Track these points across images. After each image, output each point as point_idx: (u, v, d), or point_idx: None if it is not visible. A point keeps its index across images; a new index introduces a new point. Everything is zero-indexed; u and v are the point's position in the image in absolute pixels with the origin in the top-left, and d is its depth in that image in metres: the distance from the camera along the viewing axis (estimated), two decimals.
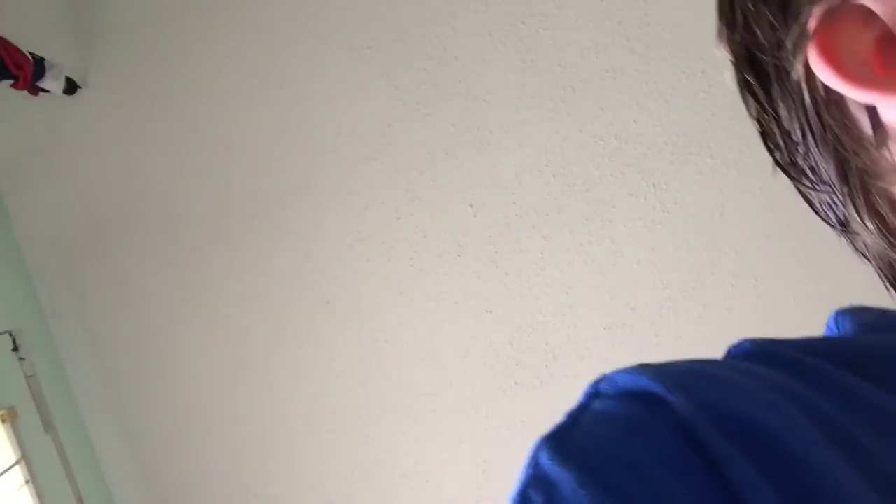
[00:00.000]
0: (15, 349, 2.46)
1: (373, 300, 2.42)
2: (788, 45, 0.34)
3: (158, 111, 2.54)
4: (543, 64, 2.19)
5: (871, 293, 0.42)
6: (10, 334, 2.45)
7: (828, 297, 1.99)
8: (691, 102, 2.09)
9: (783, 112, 0.37)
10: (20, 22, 2.51)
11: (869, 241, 0.37)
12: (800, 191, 0.39)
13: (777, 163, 0.39)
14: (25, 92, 2.34)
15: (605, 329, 2.24)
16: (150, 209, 2.60)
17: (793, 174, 0.38)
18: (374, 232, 2.39)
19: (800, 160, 0.37)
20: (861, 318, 0.38)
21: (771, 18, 0.35)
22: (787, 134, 0.37)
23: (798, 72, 0.34)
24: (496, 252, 2.30)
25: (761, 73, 0.37)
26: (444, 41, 2.26)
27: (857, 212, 0.36)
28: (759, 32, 0.36)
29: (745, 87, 0.38)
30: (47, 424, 2.48)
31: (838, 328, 0.40)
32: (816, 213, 0.39)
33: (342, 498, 2.56)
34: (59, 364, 2.73)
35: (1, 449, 2.29)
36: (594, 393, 0.32)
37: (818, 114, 0.35)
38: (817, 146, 0.36)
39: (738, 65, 0.38)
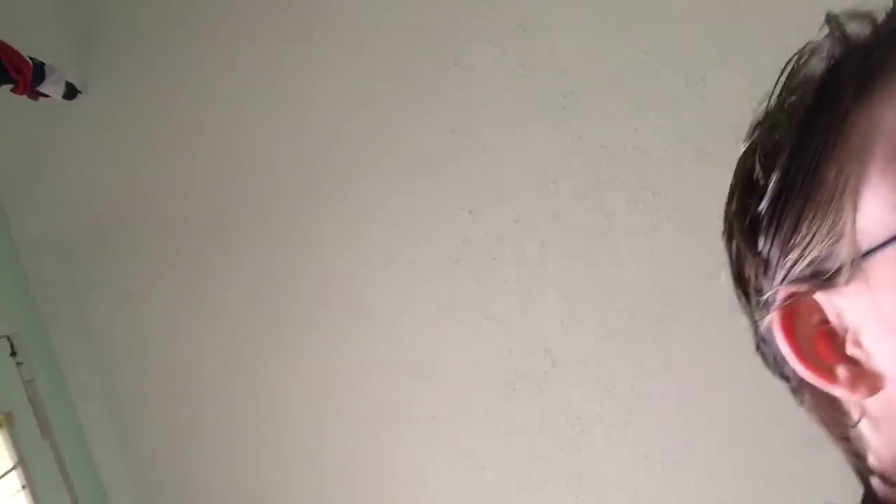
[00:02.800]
0: (13, 354, 2.46)
1: (372, 305, 2.42)
2: (762, 299, 0.48)
3: (158, 116, 2.54)
4: (543, 71, 2.19)
5: None
6: (8, 339, 2.44)
7: None
8: (691, 110, 2.09)
9: (757, 317, 0.50)
10: (21, 26, 2.51)
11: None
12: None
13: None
14: (25, 96, 2.34)
15: (603, 336, 2.23)
16: (150, 214, 2.60)
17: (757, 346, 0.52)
18: (374, 237, 2.39)
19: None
20: None
21: (755, 267, 0.49)
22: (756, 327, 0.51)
23: (767, 322, 0.47)
24: (495, 259, 2.30)
25: (745, 291, 0.51)
26: (445, 47, 2.26)
27: (800, 393, 0.50)
28: (745, 270, 0.50)
29: (735, 290, 0.53)
30: (45, 429, 2.47)
31: None
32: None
33: (339, 502, 2.56)
34: (57, 369, 2.73)
35: None
36: None
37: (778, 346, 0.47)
38: (774, 350, 0.48)
39: (731, 276, 0.52)
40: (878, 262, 0.41)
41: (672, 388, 2.18)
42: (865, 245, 0.42)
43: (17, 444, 2.33)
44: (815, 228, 0.44)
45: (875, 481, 0.48)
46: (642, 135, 2.12)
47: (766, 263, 0.47)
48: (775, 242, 0.46)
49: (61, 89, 2.45)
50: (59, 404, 2.65)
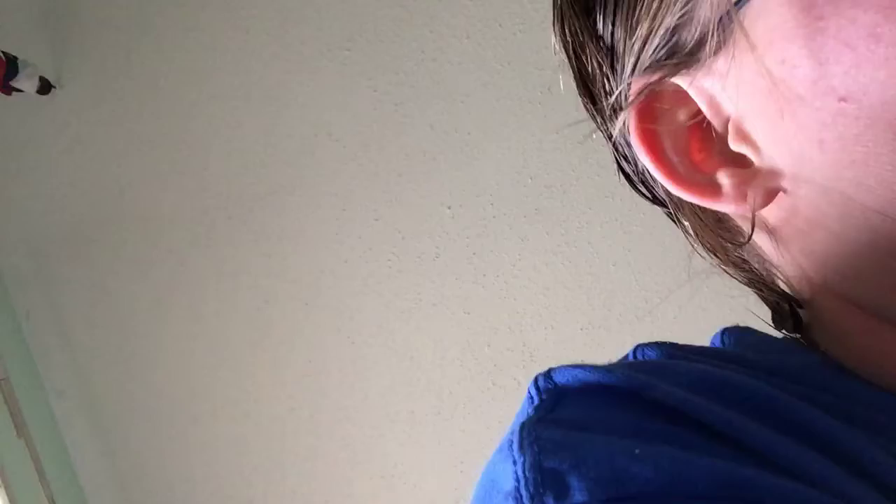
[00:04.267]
0: None
1: (351, 302, 2.42)
2: (611, 99, 0.37)
3: (134, 111, 2.52)
4: (521, 66, 2.20)
5: None
6: None
7: None
8: None
9: (612, 131, 0.40)
10: None
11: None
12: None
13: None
14: None
15: (581, 330, 2.25)
16: (126, 211, 2.57)
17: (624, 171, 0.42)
18: (352, 233, 2.39)
19: (627, 166, 0.41)
20: (748, 341, 0.39)
21: (598, 58, 0.37)
22: (607, 134, 0.40)
23: (619, 130, 0.37)
24: (474, 254, 2.30)
25: (590, 95, 0.40)
26: (422, 43, 2.26)
27: (678, 218, 0.40)
28: (587, 66, 0.38)
29: (581, 99, 0.41)
30: (20, 428, 2.45)
31: (724, 346, 0.42)
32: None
33: (320, 500, 2.55)
34: (33, 367, 2.70)
35: None
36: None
37: (637, 159, 0.38)
38: (640, 169, 0.39)
39: (573, 78, 0.40)
40: (756, 10, 0.29)
41: None
42: None
43: None
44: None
45: (785, 306, 0.38)
46: None
47: (611, 52, 0.36)
48: (618, 20, 0.34)
49: (35, 84, 2.42)
50: (35, 403, 2.62)
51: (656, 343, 0.35)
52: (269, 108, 2.40)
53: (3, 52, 2.26)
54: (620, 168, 0.42)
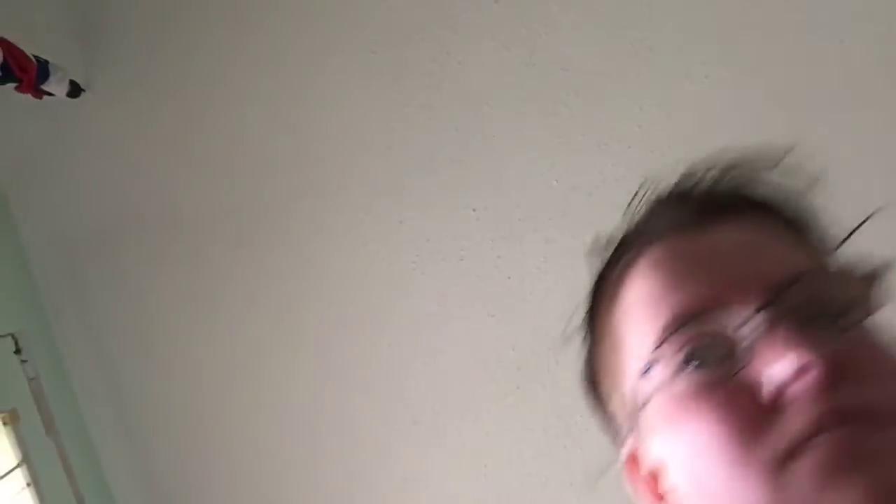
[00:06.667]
0: (17, 351, 2.46)
1: (375, 304, 2.42)
2: (619, 440, 0.51)
3: (162, 113, 2.55)
4: (547, 67, 2.19)
5: None
6: (13, 337, 2.45)
7: None
8: (694, 106, 2.08)
9: (608, 430, 0.54)
10: (24, 25, 2.52)
11: None
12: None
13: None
14: (29, 95, 2.34)
15: None
16: (154, 211, 2.60)
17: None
18: (377, 235, 2.39)
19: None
20: None
21: (607, 419, 0.53)
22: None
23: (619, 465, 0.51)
24: (499, 256, 2.29)
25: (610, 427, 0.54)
26: (448, 44, 2.26)
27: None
28: (595, 390, 0.55)
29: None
30: (49, 427, 2.48)
31: None
32: None
33: (343, 502, 2.55)
34: (62, 366, 2.73)
35: (2, 452, 2.29)
36: None
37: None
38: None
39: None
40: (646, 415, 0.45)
41: None
42: (631, 404, 0.47)
43: (21, 443, 2.33)
44: (616, 397, 0.50)
45: None
46: (645, 131, 2.11)
47: (610, 417, 0.52)
48: (608, 405, 0.52)
49: (65, 87, 2.46)
50: (64, 402, 2.65)
51: None
52: (295, 110, 2.41)
53: (34, 55, 2.29)
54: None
